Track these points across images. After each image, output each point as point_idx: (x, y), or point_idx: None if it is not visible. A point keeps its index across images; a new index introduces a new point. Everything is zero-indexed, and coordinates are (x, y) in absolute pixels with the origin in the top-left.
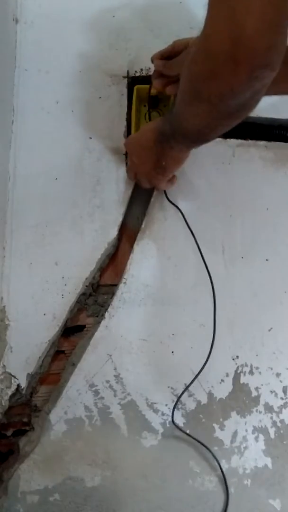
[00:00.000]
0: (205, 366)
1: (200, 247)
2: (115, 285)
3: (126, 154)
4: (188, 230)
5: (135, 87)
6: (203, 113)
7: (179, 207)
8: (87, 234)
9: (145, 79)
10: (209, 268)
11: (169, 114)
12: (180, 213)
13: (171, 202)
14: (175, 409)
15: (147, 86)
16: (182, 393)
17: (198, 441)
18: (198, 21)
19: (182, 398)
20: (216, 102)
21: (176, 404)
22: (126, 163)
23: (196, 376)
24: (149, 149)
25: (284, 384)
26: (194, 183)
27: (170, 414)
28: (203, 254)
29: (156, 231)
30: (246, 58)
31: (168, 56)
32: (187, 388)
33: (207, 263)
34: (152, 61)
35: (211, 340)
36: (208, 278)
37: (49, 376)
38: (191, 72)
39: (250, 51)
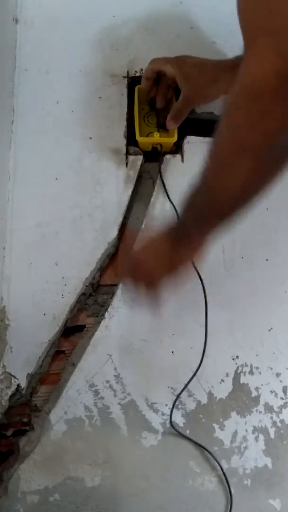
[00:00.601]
0: (205, 366)
1: None
2: (115, 285)
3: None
4: None
5: (136, 88)
6: (246, 169)
7: (179, 208)
8: (87, 234)
9: None
10: (209, 268)
11: (186, 203)
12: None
13: (172, 202)
14: (175, 409)
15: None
16: (178, 396)
17: (197, 444)
18: (198, 21)
19: (182, 398)
20: (263, 146)
21: (173, 406)
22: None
23: (193, 376)
24: (157, 259)
25: (284, 384)
26: None
27: (170, 414)
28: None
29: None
30: None
31: (155, 76)
32: (183, 389)
33: (207, 263)
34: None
35: (204, 340)
36: (209, 278)
37: (49, 376)
38: (233, 119)
39: None
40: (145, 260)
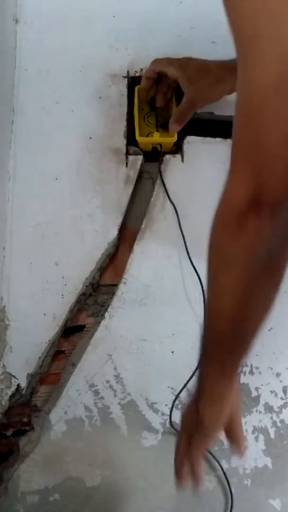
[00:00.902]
0: None
1: (200, 247)
2: (115, 285)
3: None
4: (189, 230)
5: (136, 88)
6: (232, 281)
7: (178, 208)
8: (87, 234)
9: None
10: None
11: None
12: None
13: (172, 202)
14: (174, 409)
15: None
16: (177, 396)
17: None
18: (198, 21)
19: (182, 398)
20: (247, 257)
21: (172, 406)
22: None
23: (191, 376)
24: (194, 419)
25: (284, 384)
26: (194, 184)
27: (170, 414)
28: (203, 254)
29: (156, 231)
30: (268, 200)
31: (155, 76)
32: (182, 388)
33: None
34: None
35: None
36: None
37: (49, 376)
38: (216, 233)
39: (271, 198)
40: (185, 433)
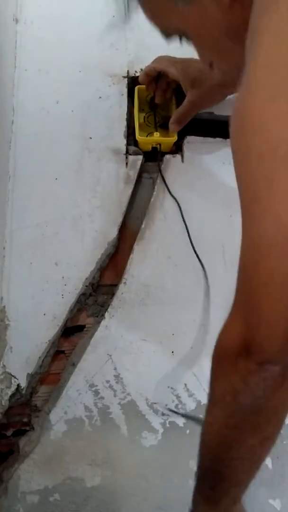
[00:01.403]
0: (205, 366)
1: (200, 247)
2: (115, 285)
3: None
4: (189, 230)
5: (136, 88)
6: (217, 420)
7: (179, 209)
8: (87, 234)
9: None
10: (209, 268)
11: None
12: (178, 208)
13: (173, 197)
14: (174, 409)
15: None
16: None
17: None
18: None
19: (182, 398)
20: (229, 400)
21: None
22: None
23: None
24: None
25: None
26: (194, 183)
27: (170, 414)
28: (203, 254)
29: (156, 231)
30: (256, 352)
31: (155, 74)
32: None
33: (207, 263)
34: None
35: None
36: (209, 278)
37: (49, 376)
38: (211, 367)
39: (259, 348)
40: None
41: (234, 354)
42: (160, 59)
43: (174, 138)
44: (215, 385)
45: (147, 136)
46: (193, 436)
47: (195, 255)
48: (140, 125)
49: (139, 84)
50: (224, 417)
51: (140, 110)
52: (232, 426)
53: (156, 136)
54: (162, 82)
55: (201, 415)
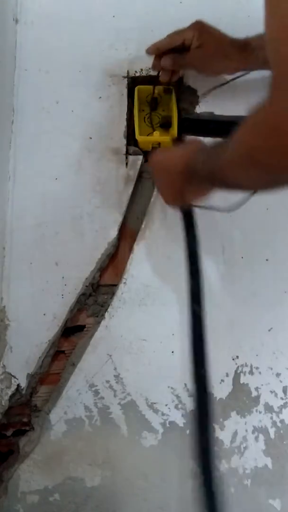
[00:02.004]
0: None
1: (200, 247)
2: (115, 285)
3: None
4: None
5: (136, 88)
6: (257, 178)
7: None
8: (87, 234)
9: (145, 79)
10: (209, 268)
11: (205, 156)
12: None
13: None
14: (175, 409)
15: (149, 87)
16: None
17: None
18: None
19: (182, 398)
20: (277, 173)
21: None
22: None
23: None
24: (176, 180)
25: (284, 384)
26: None
27: (170, 414)
28: (203, 254)
29: (156, 231)
30: None
31: (166, 50)
32: None
33: (206, 263)
34: (149, 53)
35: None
36: (209, 278)
37: (49, 376)
38: (253, 145)
39: None
40: (158, 178)
41: (283, 130)
42: (175, 32)
43: (174, 136)
44: (259, 157)
45: (147, 136)
46: (193, 436)
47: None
48: (140, 125)
49: (141, 84)
50: (262, 178)
51: (140, 110)
52: (267, 183)
53: (156, 135)
54: (167, 59)
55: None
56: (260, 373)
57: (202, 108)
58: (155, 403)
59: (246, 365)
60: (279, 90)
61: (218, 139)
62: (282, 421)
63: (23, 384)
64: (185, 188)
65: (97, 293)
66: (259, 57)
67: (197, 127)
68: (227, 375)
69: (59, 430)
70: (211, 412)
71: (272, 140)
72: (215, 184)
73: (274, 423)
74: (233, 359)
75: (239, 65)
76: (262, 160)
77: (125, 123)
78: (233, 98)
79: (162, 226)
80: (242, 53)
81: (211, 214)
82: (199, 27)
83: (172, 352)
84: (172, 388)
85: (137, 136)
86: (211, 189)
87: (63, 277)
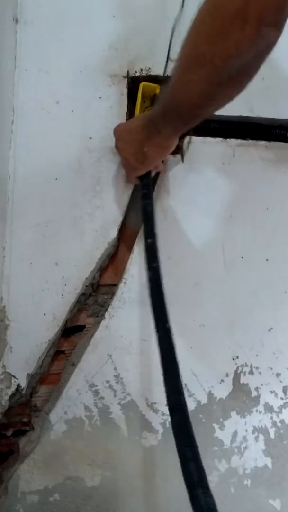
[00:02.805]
0: (205, 366)
1: (200, 247)
2: (115, 285)
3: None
4: (189, 230)
5: (141, 84)
6: (203, 79)
7: (180, 208)
8: (87, 234)
9: (145, 79)
10: (209, 268)
11: (159, 98)
12: (178, 208)
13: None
14: None
15: (154, 85)
16: None
17: None
18: None
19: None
20: (219, 63)
21: None
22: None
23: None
24: (135, 133)
25: (284, 384)
26: (194, 183)
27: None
28: (203, 254)
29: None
30: (255, 15)
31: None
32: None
33: (207, 263)
34: None
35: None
36: (209, 278)
37: (49, 376)
38: (197, 32)
39: (260, 8)
40: (120, 142)
41: (232, 17)
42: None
43: None
44: (205, 48)
45: None
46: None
47: (195, 255)
48: None
49: (139, 83)
50: (211, 76)
51: (142, 106)
52: (217, 83)
53: None
54: None
55: (201, 415)
56: (260, 373)
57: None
58: (155, 403)
59: (246, 365)
60: None
61: (218, 139)
62: (282, 421)
63: (23, 384)
64: (145, 144)
65: (97, 293)
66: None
67: (197, 127)
68: (227, 375)
69: (59, 430)
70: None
71: (215, 23)
72: (169, 119)
73: (274, 423)
74: (233, 359)
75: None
76: (206, 52)
77: None
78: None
79: (162, 226)
80: (153, 129)
81: (212, 214)
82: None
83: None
84: None
85: None
86: (167, 133)
87: (63, 277)
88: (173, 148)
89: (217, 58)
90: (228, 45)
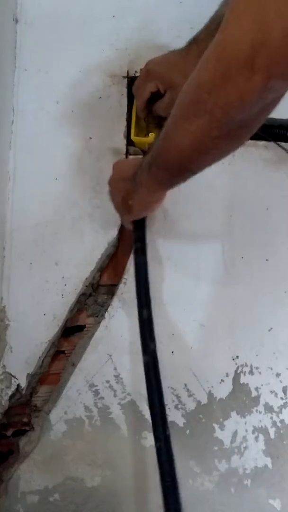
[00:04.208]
0: (205, 366)
1: (200, 247)
2: (115, 285)
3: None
4: (189, 230)
5: None
6: (199, 130)
7: (180, 208)
8: (87, 234)
9: None
10: (209, 268)
11: (150, 146)
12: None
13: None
14: (175, 410)
15: None
16: None
17: None
18: (199, 21)
19: (182, 398)
20: (220, 115)
21: None
22: None
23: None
24: (128, 181)
25: (284, 384)
26: (194, 183)
27: (170, 414)
28: (203, 254)
29: (156, 231)
30: (265, 66)
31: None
32: None
33: (207, 263)
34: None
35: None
36: (209, 278)
37: (49, 376)
38: (198, 79)
39: (271, 58)
40: (112, 187)
41: (239, 66)
42: (137, 90)
43: None
44: (205, 96)
45: (145, 135)
46: (193, 436)
47: (195, 255)
48: (136, 124)
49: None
50: (209, 128)
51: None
52: (215, 136)
53: (151, 137)
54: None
55: (201, 415)
56: (260, 373)
57: None
58: None
59: (246, 365)
60: (233, 13)
61: None
62: (282, 421)
63: (23, 384)
64: (130, 196)
65: (97, 293)
66: None
67: None
68: (227, 375)
69: (59, 430)
70: None
71: (218, 71)
72: (156, 168)
73: (274, 423)
74: (233, 359)
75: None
76: (207, 102)
77: (125, 123)
78: None
79: (162, 226)
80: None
81: (211, 213)
82: (153, 74)
83: (172, 352)
84: (172, 388)
85: (132, 137)
86: (150, 186)
87: (63, 277)
88: (160, 203)
89: (218, 108)
90: (232, 96)
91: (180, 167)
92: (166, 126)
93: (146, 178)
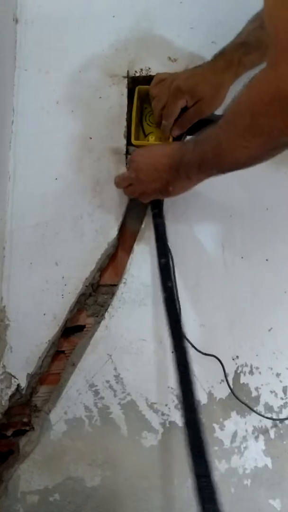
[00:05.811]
0: (205, 366)
1: (200, 247)
2: (115, 285)
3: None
4: (189, 230)
5: (137, 88)
6: (258, 147)
7: (180, 208)
8: (87, 234)
9: (145, 79)
10: (209, 268)
11: (192, 145)
12: (178, 208)
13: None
14: (174, 409)
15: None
16: None
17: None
18: (199, 21)
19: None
20: (278, 135)
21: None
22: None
23: None
24: (162, 172)
25: (284, 384)
26: None
27: (170, 414)
28: (203, 254)
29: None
30: None
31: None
32: None
33: (207, 263)
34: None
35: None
36: (209, 278)
37: (49, 376)
38: (255, 108)
39: None
40: (144, 175)
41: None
42: (158, 89)
43: (170, 140)
44: (263, 121)
45: (146, 136)
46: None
47: (195, 255)
48: (136, 127)
49: (141, 84)
50: (266, 144)
51: (144, 109)
52: (272, 149)
53: (151, 140)
54: (176, 130)
55: (201, 415)
56: (260, 373)
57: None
58: (155, 403)
59: (246, 365)
60: (283, 56)
61: None
62: (282, 421)
63: (23, 384)
64: (172, 183)
65: (97, 293)
66: (245, 63)
67: (197, 127)
68: (227, 375)
69: (59, 430)
70: None
71: (275, 103)
72: (206, 170)
73: (274, 423)
74: (233, 359)
75: (232, 81)
76: (265, 126)
77: (125, 123)
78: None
79: None
80: (226, 71)
81: (211, 214)
82: (183, 90)
83: (172, 352)
84: (172, 388)
85: (133, 141)
86: (199, 178)
87: (63, 277)
88: (194, 186)
89: (277, 131)
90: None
91: (232, 169)
92: (217, 139)
93: (197, 174)
